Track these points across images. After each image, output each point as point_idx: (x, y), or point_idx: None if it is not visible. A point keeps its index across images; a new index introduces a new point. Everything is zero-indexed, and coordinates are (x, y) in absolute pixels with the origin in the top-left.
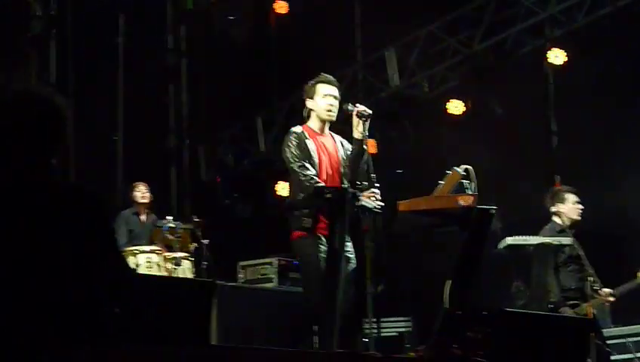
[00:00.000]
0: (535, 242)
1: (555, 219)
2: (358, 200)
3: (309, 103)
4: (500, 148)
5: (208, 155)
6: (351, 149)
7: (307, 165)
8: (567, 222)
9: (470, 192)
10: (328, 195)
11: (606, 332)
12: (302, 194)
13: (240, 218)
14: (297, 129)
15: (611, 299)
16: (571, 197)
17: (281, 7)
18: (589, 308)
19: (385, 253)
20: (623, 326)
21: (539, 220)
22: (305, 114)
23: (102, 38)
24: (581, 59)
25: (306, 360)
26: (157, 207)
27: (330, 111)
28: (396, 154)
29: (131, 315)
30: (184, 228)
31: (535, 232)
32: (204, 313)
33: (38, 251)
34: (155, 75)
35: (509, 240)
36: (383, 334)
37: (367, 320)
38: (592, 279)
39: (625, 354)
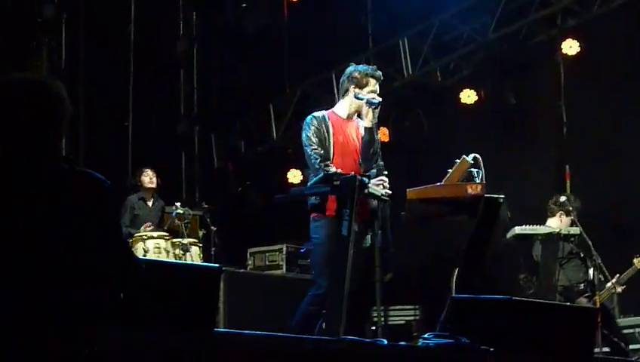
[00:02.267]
0: (543, 231)
1: (551, 222)
2: (367, 187)
3: (355, 91)
4: (512, 138)
5: (220, 143)
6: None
7: (319, 149)
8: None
9: (479, 181)
10: (336, 182)
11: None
12: (313, 177)
13: (250, 205)
14: (319, 114)
15: (619, 288)
16: (568, 220)
17: None
18: (597, 300)
19: (393, 241)
20: (633, 316)
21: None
22: (341, 97)
23: (113, 24)
24: (595, 49)
25: (312, 347)
26: (166, 194)
27: (371, 106)
28: (409, 142)
29: (137, 301)
30: (193, 215)
31: (544, 221)
32: (211, 299)
33: (42, 237)
34: (166, 61)
35: (518, 229)
36: (390, 322)
37: (375, 308)
38: (599, 271)
39: (635, 344)
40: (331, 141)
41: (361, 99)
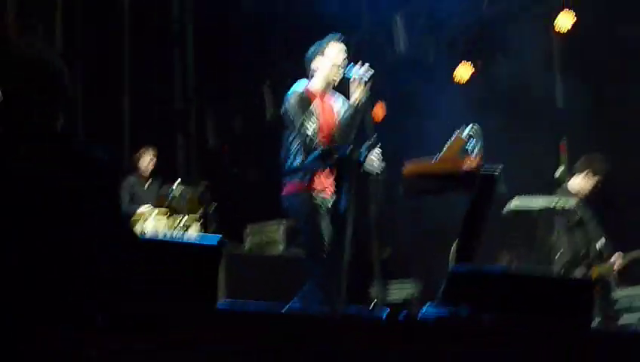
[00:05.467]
0: (539, 206)
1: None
2: (366, 161)
3: (317, 61)
4: (507, 111)
5: (215, 120)
6: (344, 112)
7: (307, 125)
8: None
9: (475, 155)
10: (336, 155)
11: (613, 294)
12: (299, 154)
13: (248, 182)
14: (299, 89)
15: (620, 266)
16: (594, 180)
17: None
18: (595, 272)
19: (391, 216)
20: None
21: (545, 183)
22: (310, 73)
23: (109, 1)
24: (589, 22)
25: (310, 322)
26: (162, 172)
27: (341, 69)
28: (403, 117)
29: (137, 279)
30: (192, 193)
31: (542, 194)
32: (211, 276)
33: (44, 214)
34: (161, 38)
35: (514, 204)
36: (389, 298)
37: (374, 283)
38: (601, 243)
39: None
40: (315, 117)
41: (350, 77)
